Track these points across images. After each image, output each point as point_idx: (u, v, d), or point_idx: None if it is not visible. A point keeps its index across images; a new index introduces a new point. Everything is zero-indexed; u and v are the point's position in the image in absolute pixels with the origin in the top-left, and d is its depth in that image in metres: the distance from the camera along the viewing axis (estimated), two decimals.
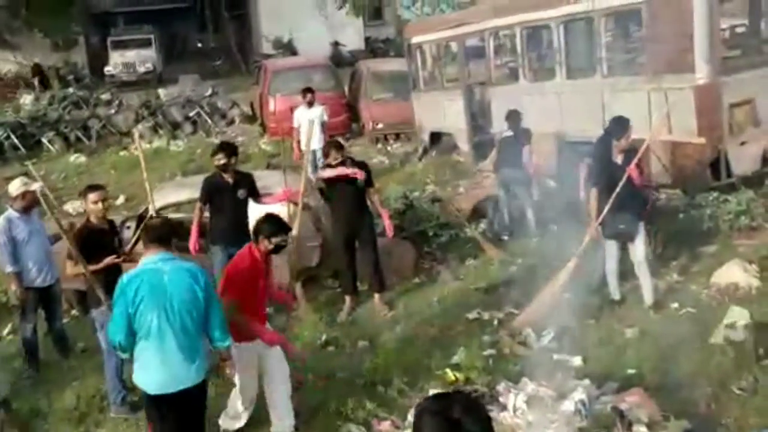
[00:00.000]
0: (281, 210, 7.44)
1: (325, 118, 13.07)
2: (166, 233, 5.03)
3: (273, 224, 5.51)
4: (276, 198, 7.88)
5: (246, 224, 7.41)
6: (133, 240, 8.39)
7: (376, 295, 8.31)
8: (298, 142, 12.96)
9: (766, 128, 9.28)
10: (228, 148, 7.96)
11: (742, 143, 9.20)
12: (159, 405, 4.91)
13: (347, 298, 8.30)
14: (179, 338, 4.80)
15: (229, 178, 7.85)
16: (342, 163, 8.00)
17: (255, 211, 7.20)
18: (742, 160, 9.23)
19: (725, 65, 9.30)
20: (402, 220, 9.97)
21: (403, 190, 11.07)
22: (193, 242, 7.85)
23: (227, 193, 7.82)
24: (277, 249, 5.54)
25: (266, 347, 5.60)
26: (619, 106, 9.70)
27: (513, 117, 10.23)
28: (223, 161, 7.79)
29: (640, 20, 10.10)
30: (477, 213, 10.87)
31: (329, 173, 8.02)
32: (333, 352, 7.31)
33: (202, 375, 4.98)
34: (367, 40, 33.98)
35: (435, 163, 14.68)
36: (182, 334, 4.81)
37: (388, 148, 16.85)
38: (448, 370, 6.48)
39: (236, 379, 5.68)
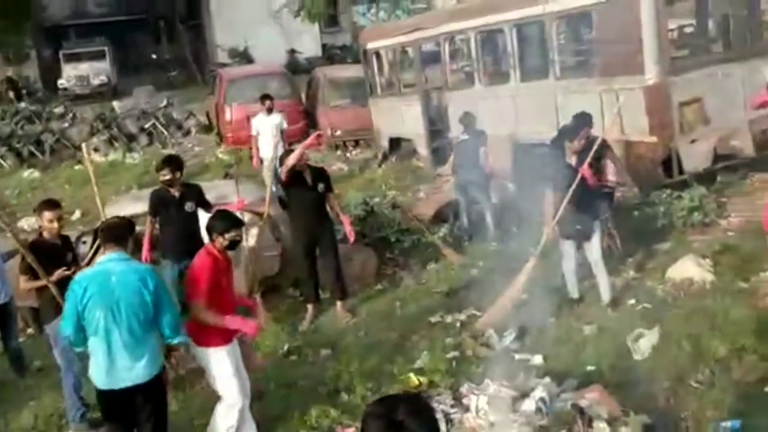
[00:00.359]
0: None
1: (285, 125, 13.05)
2: (122, 233, 5.07)
3: (225, 220, 5.54)
4: (231, 209, 7.79)
5: (197, 236, 7.22)
6: (90, 254, 8.30)
7: (338, 303, 8.30)
8: (257, 149, 12.92)
9: (715, 126, 9.47)
10: (173, 162, 7.89)
11: (693, 141, 9.38)
12: (107, 400, 5.03)
13: (309, 307, 8.28)
14: (125, 338, 4.87)
15: (175, 192, 7.78)
16: (300, 171, 7.98)
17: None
18: (693, 158, 9.41)
19: (674, 65, 9.48)
20: (363, 226, 9.98)
21: (363, 196, 11.08)
22: (144, 255, 7.75)
23: (174, 206, 7.76)
24: (233, 245, 5.54)
25: (235, 350, 5.58)
26: (571, 107, 9.84)
27: (467, 119, 10.32)
28: (168, 176, 7.72)
29: (591, 23, 10.27)
30: (438, 217, 10.92)
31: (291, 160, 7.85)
32: (295, 361, 7.28)
33: (151, 373, 5.01)
34: (323, 47, 34.01)
35: (395, 168, 14.73)
36: (128, 333, 4.88)
37: (348, 154, 16.87)
38: (411, 375, 6.50)
39: (222, 391, 5.54)
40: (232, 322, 5.43)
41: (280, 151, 12.50)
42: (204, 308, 5.31)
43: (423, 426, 2.30)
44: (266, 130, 12.78)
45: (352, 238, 8.29)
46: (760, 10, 11.38)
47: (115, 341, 4.86)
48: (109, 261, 4.94)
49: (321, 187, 8.05)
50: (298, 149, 7.96)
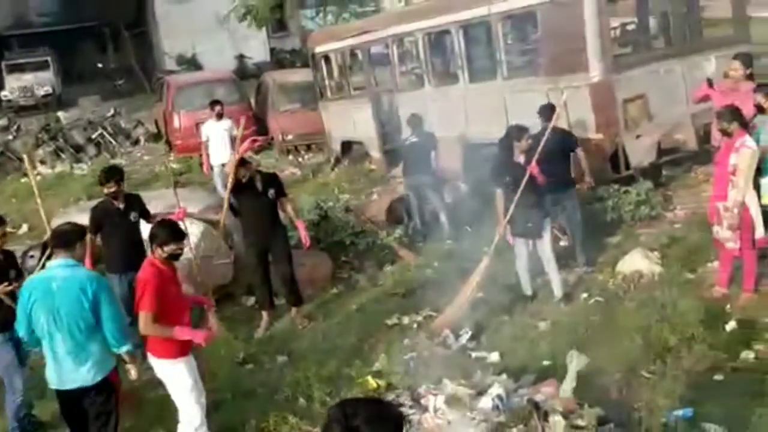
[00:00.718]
0: (190, 228, 7.35)
1: (235, 131, 12.93)
2: (70, 238, 5.18)
3: (166, 232, 5.39)
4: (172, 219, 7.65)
5: (142, 247, 7.22)
6: (39, 268, 8.13)
7: (294, 309, 8.26)
8: (207, 156, 12.80)
9: (659, 121, 9.68)
10: (117, 174, 7.68)
11: (638, 137, 9.55)
12: (60, 400, 5.25)
13: (264, 314, 8.23)
14: (68, 343, 5.03)
15: (119, 203, 7.60)
16: (251, 179, 7.92)
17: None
18: (639, 153, 9.59)
19: (617, 63, 9.66)
20: (317, 230, 9.96)
21: (316, 200, 11.06)
22: None
23: (119, 218, 7.58)
24: (173, 257, 5.42)
25: (191, 362, 5.50)
26: (520, 106, 9.98)
27: (414, 120, 10.37)
28: (113, 189, 7.51)
29: (536, 23, 10.41)
30: (394, 218, 10.96)
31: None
32: (252, 369, 7.23)
33: (95, 378, 5.11)
34: (272, 51, 33.85)
35: (348, 171, 14.72)
36: (70, 339, 5.02)
37: (300, 159, 16.80)
38: (369, 378, 6.49)
39: (180, 404, 5.47)
40: (181, 332, 5.31)
41: (230, 157, 12.43)
42: (151, 320, 5.21)
43: None
44: (216, 135, 12.67)
45: (307, 244, 8.23)
46: (698, 6, 11.67)
47: (59, 346, 5.03)
48: (56, 267, 5.09)
49: (272, 192, 7.99)
50: (234, 157, 7.87)
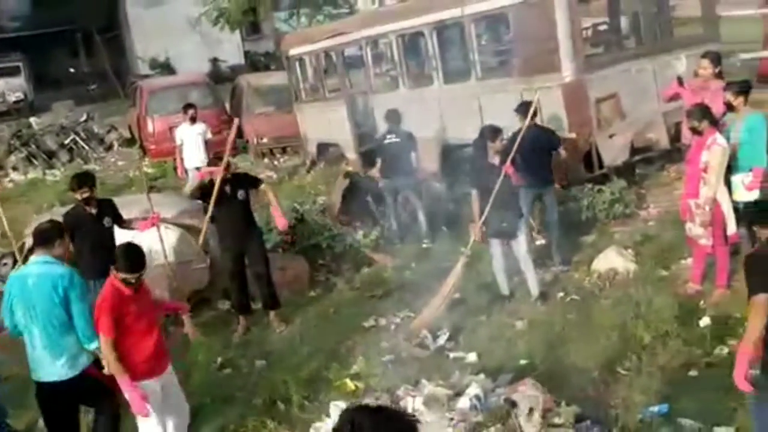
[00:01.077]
0: (151, 235, 7.34)
1: (209, 135, 12.87)
2: (49, 236, 5.40)
3: (124, 259, 5.12)
4: (144, 225, 7.53)
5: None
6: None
7: (271, 313, 8.23)
8: (182, 160, 12.72)
9: (631, 120, 9.77)
10: (89, 180, 7.59)
11: (611, 136, 9.64)
12: (38, 390, 5.39)
13: (241, 318, 8.20)
14: (43, 337, 5.23)
15: (92, 209, 7.49)
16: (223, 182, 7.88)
17: (123, 238, 6.97)
18: (612, 152, 9.68)
19: (589, 62, 9.75)
20: (293, 233, 9.93)
21: (292, 203, 11.03)
22: None
23: (92, 224, 7.46)
24: (126, 284, 5.12)
25: (165, 380, 5.39)
26: (494, 107, 10.04)
27: (392, 116, 10.33)
28: (87, 194, 7.40)
29: (509, 24, 10.47)
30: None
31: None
32: (230, 374, 7.19)
33: (70, 373, 5.28)
34: (246, 54, 33.73)
35: (324, 174, 14.68)
36: (45, 334, 5.23)
37: (275, 162, 16.76)
38: (347, 381, 6.50)
39: (140, 423, 5.32)
40: (123, 383, 5.04)
41: (205, 160, 12.36)
42: (110, 345, 5.04)
43: None
44: (190, 139, 12.59)
45: (282, 225, 8.17)
46: (668, 6, 11.80)
47: (35, 339, 5.25)
48: (34, 264, 5.33)
49: (241, 193, 7.96)
50: (197, 175, 7.76)
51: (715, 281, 7.02)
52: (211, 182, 7.85)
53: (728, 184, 6.82)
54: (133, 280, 5.12)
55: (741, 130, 6.86)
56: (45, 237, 5.37)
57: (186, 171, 12.66)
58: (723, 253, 6.90)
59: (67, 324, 5.22)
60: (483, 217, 7.42)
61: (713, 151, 6.56)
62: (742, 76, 9.11)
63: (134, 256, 5.19)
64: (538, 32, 9.47)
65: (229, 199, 7.86)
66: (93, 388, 5.41)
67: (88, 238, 7.42)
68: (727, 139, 6.73)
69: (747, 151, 6.83)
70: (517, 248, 7.60)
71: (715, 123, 6.72)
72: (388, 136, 10.29)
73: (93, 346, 5.26)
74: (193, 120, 12.63)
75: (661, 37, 11.18)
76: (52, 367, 5.24)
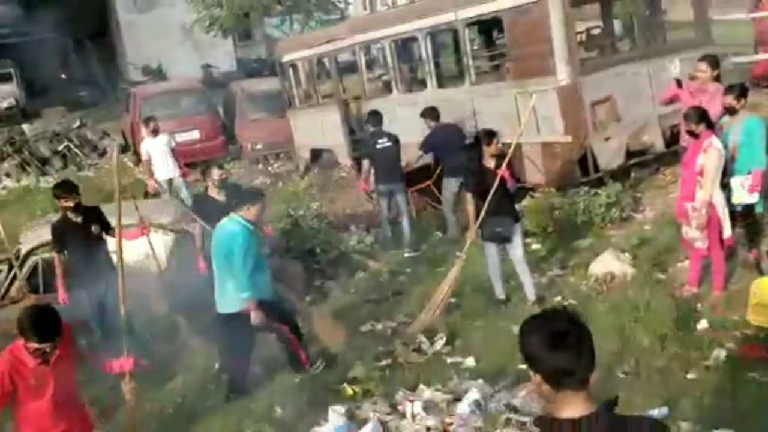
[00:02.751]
0: (142, 244, 7.31)
1: (173, 143, 12.75)
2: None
3: (31, 326, 4.26)
4: (133, 234, 7.46)
5: (108, 261, 7.30)
6: (7, 283, 8.01)
7: None
8: (152, 173, 12.58)
9: (626, 123, 9.79)
10: (74, 188, 7.41)
11: (606, 139, 9.67)
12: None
13: None
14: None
15: (77, 217, 7.34)
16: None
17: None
18: (608, 155, 9.70)
19: (584, 66, 9.77)
20: (288, 239, 9.90)
21: (287, 208, 10.99)
22: (62, 294, 7.38)
23: (80, 232, 7.32)
24: (34, 353, 4.31)
25: None
26: (488, 111, 10.05)
27: (374, 119, 10.32)
28: (71, 203, 7.26)
29: (503, 28, 10.49)
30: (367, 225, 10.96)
31: None
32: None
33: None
34: (239, 60, 33.70)
35: (317, 179, 14.68)
36: None
37: (269, 168, 16.73)
38: (345, 385, 6.48)
39: None
40: None
41: (175, 170, 12.33)
42: None
43: (585, 331, 2.49)
44: (156, 152, 12.49)
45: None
46: (661, 10, 11.84)
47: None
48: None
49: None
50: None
51: (711, 284, 7.02)
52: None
53: (724, 186, 6.82)
54: (47, 350, 4.27)
55: (739, 133, 6.86)
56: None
57: (159, 183, 12.55)
58: (719, 256, 6.90)
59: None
60: (479, 220, 7.40)
61: (709, 154, 6.56)
62: (734, 79, 9.12)
63: (44, 322, 4.29)
64: (533, 36, 9.49)
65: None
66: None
67: (77, 248, 7.31)
68: (726, 142, 6.74)
69: (745, 154, 6.84)
70: (513, 252, 7.58)
71: (712, 126, 6.72)
72: (380, 141, 10.24)
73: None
74: (155, 132, 12.48)
75: (655, 40, 11.22)
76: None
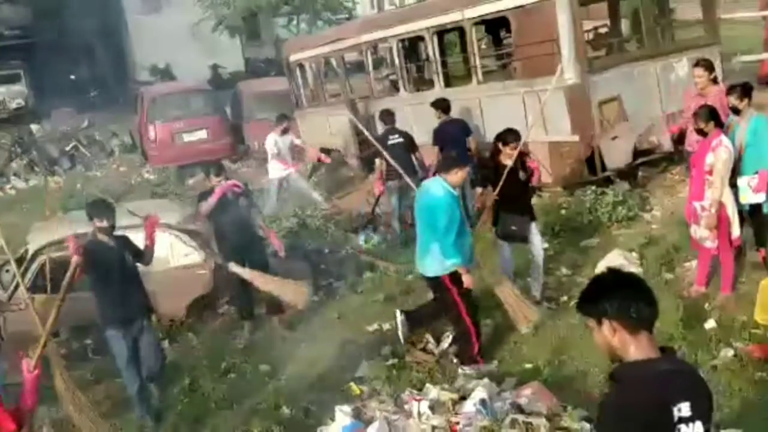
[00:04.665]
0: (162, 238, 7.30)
1: (295, 142, 12.83)
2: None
3: None
4: (148, 232, 6.58)
5: (144, 294, 6.50)
6: (15, 283, 8.02)
7: (274, 318, 8.21)
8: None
9: (633, 123, 9.75)
10: (109, 208, 6.35)
11: (614, 138, 9.64)
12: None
13: (245, 323, 8.17)
14: None
15: (110, 241, 6.26)
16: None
17: None
18: (615, 155, 9.67)
19: (591, 65, 9.74)
20: (296, 238, 9.91)
21: (294, 208, 11.01)
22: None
23: (114, 260, 6.22)
24: None
25: None
26: (496, 110, 10.04)
27: (387, 117, 10.29)
28: (106, 224, 6.18)
29: (510, 27, 10.47)
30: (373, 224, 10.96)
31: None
32: (234, 379, 7.18)
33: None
34: (246, 61, 33.74)
35: (325, 179, 14.69)
36: None
37: None
38: (352, 384, 6.48)
39: None
40: None
41: (292, 166, 12.47)
42: None
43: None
44: (284, 147, 12.48)
45: (281, 251, 8.27)
46: (669, 9, 11.80)
47: None
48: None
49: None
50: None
51: (719, 284, 6.99)
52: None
53: (734, 185, 6.79)
54: None
55: (745, 132, 6.83)
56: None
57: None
58: (727, 257, 6.86)
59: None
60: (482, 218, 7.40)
61: (718, 153, 6.52)
62: (742, 78, 9.07)
63: None
64: (540, 35, 9.47)
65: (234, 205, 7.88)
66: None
67: (110, 278, 6.20)
68: (732, 141, 6.71)
69: (752, 154, 6.79)
70: (533, 251, 7.56)
71: (721, 125, 6.69)
72: (391, 137, 10.22)
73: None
74: (286, 131, 12.48)
75: (663, 39, 11.18)
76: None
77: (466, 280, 6.42)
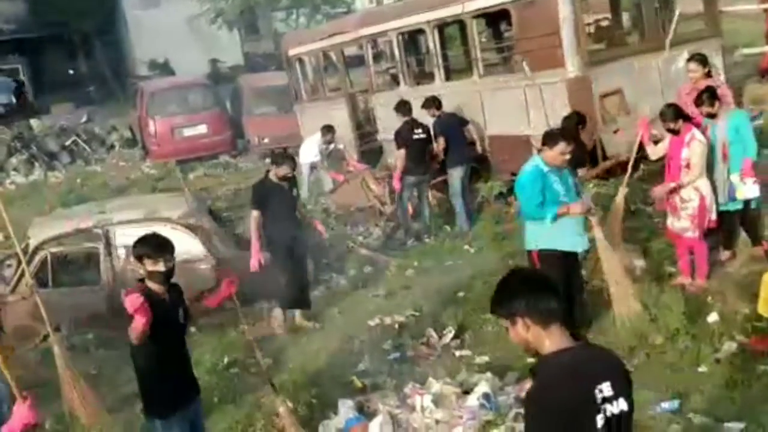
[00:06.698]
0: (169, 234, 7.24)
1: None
2: None
3: None
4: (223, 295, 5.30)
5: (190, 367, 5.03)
6: (16, 277, 8.02)
7: (298, 312, 8.20)
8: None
9: (635, 116, 9.71)
10: (167, 246, 4.62)
11: (615, 131, 9.62)
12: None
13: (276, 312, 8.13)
14: None
15: (164, 293, 4.62)
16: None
17: None
18: (616, 148, 9.64)
19: (593, 58, 9.71)
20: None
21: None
22: None
23: (170, 317, 4.61)
24: None
25: None
26: (497, 104, 10.01)
27: (403, 108, 10.15)
28: (162, 266, 4.52)
29: (511, 20, 10.43)
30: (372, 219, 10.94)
31: None
32: (237, 374, 7.17)
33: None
34: (245, 55, 33.70)
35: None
36: None
37: None
38: (355, 378, 6.48)
39: None
40: None
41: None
42: None
43: None
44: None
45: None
46: (671, 1, 11.75)
47: None
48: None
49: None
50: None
51: (704, 274, 7.06)
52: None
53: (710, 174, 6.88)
54: None
55: (727, 130, 6.92)
56: None
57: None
58: (702, 246, 6.98)
59: None
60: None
61: (693, 147, 6.69)
62: (743, 71, 9.06)
63: None
64: (541, 28, 9.44)
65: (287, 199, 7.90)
66: None
67: (163, 340, 4.54)
68: (712, 142, 6.82)
69: (737, 150, 6.92)
70: None
71: (689, 119, 6.77)
72: (416, 131, 10.02)
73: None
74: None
75: (665, 32, 11.14)
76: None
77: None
